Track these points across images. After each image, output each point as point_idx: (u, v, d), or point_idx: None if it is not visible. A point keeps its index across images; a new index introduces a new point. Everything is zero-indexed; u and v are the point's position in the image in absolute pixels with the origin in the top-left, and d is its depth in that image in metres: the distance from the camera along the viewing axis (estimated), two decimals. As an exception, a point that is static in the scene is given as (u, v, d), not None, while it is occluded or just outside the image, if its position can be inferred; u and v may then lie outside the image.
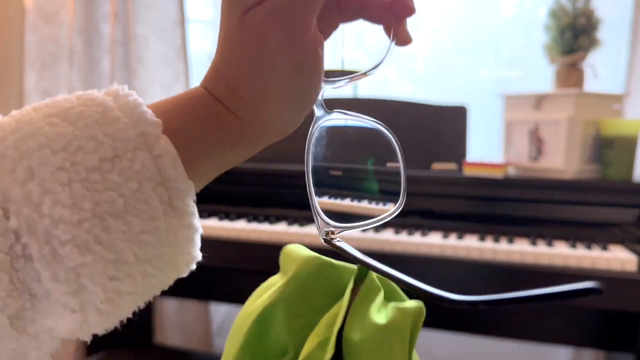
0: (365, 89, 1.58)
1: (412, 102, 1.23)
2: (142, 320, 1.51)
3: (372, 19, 0.30)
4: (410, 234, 1.02)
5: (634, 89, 1.24)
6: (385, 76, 1.58)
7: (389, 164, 0.32)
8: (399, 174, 0.31)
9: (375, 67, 0.30)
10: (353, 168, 0.32)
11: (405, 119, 1.21)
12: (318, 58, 0.27)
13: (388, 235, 1.00)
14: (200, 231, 0.28)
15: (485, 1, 1.46)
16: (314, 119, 0.30)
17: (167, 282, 0.27)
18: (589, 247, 0.95)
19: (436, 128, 1.20)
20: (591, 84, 1.16)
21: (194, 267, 0.28)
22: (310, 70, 0.27)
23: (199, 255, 0.28)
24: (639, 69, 1.23)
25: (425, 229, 1.05)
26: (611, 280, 0.87)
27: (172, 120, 0.26)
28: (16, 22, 1.65)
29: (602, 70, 1.24)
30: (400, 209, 0.31)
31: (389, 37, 0.29)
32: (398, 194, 0.31)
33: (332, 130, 0.31)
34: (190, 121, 0.26)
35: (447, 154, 1.18)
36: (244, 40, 0.25)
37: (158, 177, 0.24)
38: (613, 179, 1.06)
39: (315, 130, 0.30)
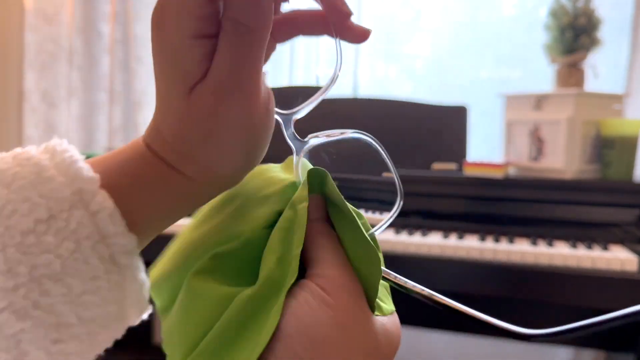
0: (365, 89, 1.58)
1: (413, 102, 1.23)
2: (142, 321, 1.51)
3: (313, 33, 0.29)
4: (410, 234, 1.02)
5: (635, 89, 1.24)
6: (385, 76, 1.58)
7: (384, 174, 0.30)
8: (393, 182, 0.30)
9: (333, 79, 0.28)
10: (349, 179, 0.31)
11: (405, 119, 1.21)
12: (269, 114, 0.26)
13: (388, 235, 1.00)
14: (147, 283, 0.27)
15: (486, 1, 1.46)
16: (294, 152, 0.29)
17: (117, 335, 0.27)
18: (589, 247, 0.95)
19: (436, 128, 1.20)
20: (592, 84, 1.16)
21: (145, 316, 0.27)
22: (263, 128, 0.26)
23: (148, 307, 0.27)
24: (640, 68, 1.23)
25: (425, 229, 1.04)
26: (611, 280, 0.87)
27: (112, 177, 0.25)
28: (16, 22, 1.65)
29: (603, 70, 1.23)
30: (399, 209, 0.30)
31: (334, 38, 0.28)
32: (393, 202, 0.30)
33: (317, 149, 0.30)
34: (132, 178, 0.25)
35: (448, 154, 1.18)
36: (193, 117, 0.24)
37: (97, 235, 0.24)
38: (613, 179, 1.06)
39: (299, 163, 0.29)
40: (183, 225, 0.30)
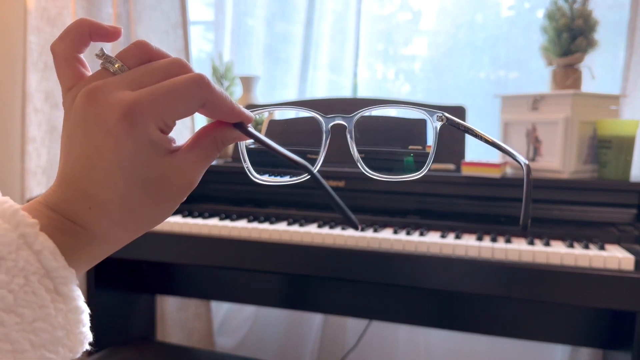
0: (364, 90, 1.59)
1: (411, 102, 1.24)
2: (145, 318, 1.52)
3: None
4: (408, 233, 1.03)
5: (631, 90, 1.25)
6: (383, 77, 1.59)
7: (410, 147, 0.38)
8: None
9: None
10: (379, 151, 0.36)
11: (403, 119, 1.22)
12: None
13: (387, 234, 1.02)
14: (87, 311, 0.30)
15: (484, 2, 1.47)
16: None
17: None
18: (586, 246, 0.95)
19: (435, 128, 1.20)
20: (588, 85, 1.17)
21: (87, 346, 0.30)
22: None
23: (89, 335, 0.30)
24: (636, 70, 1.24)
25: (423, 229, 1.06)
26: (608, 279, 0.88)
27: (44, 219, 0.29)
28: (18, 23, 1.66)
29: (599, 71, 1.24)
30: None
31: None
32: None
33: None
34: (56, 221, 0.30)
35: (446, 154, 1.19)
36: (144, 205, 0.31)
37: (42, 270, 0.27)
38: (610, 179, 1.07)
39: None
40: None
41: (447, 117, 0.35)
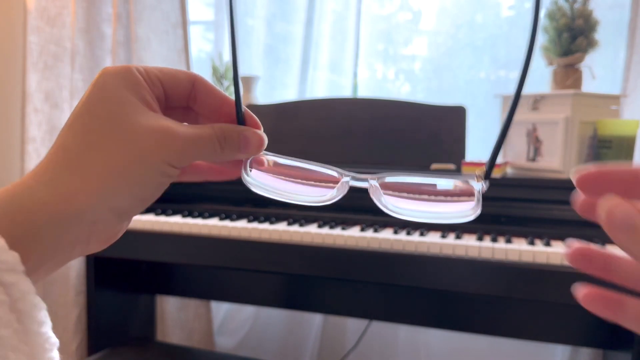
0: (364, 90, 1.59)
1: (411, 102, 1.24)
2: (145, 318, 1.52)
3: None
4: (409, 233, 1.03)
5: (631, 90, 1.25)
6: (384, 77, 1.59)
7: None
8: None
9: None
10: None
11: (404, 119, 1.22)
12: None
13: (387, 234, 1.01)
14: (42, 304, 0.25)
15: (484, 2, 1.47)
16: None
17: None
18: (586, 246, 0.95)
19: (435, 129, 1.21)
20: (588, 85, 1.17)
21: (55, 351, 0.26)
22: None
23: (49, 327, 0.26)
24: (636, 70, 1.24)
25: (424, 229, 1.06)
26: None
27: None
28: (18, 23, 1.66)
29: (600, 71, 1.24)
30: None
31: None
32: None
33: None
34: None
35: (446, 155, 1.19)
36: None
37: None
38: (610, 178, 1.07)
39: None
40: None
41: (482, 174, 0.32)
